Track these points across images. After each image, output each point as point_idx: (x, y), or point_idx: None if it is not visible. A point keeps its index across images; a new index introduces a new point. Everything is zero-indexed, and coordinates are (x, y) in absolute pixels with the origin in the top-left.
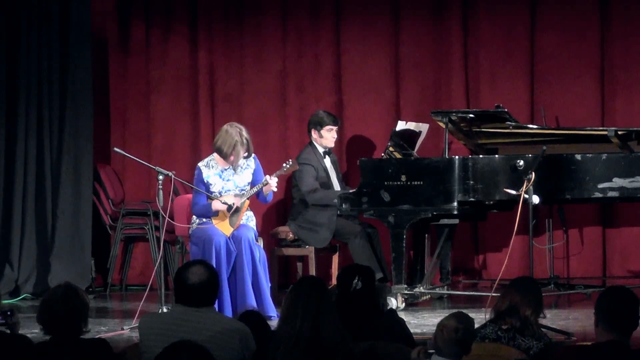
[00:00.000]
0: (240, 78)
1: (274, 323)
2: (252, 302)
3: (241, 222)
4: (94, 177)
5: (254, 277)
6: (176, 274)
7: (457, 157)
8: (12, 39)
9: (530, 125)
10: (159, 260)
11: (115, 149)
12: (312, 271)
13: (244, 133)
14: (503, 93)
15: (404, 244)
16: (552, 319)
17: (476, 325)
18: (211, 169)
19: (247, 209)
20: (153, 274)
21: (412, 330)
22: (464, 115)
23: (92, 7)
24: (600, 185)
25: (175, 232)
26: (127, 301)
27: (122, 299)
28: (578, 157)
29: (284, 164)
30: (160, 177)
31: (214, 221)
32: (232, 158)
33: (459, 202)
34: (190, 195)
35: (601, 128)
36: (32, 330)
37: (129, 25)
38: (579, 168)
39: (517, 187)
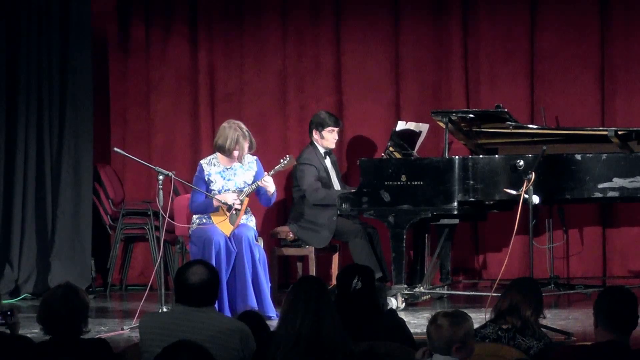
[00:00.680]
0: (240, 78)
1: (274, 323)
2: (252, 302)
3: (241, 222)
4: (94, 177)
5: (254, 277)
6: (176, 273)
7: (457, 157)
8: (12, 39)
9: (530, 125)
10: (159, 260)
11: (115, 149)
12: (312, 271)
13: (244, 127)
14: (503, 93)
15: (404, 244)
16: (552, 319)
17: (476, 325)
18: (213, 166)
19: (247, 208)
20: (153, 274)
21: (412, 330)
22: (464, 115)
23: (92, 7)
24: (600, 185)
25: (175, 232)
26: (127, 301)
27: (122, 299)
28: (578, 157)
29: (282, 160)
30: (160, 177)
31: (214, 220)
32: (236, 153)
33: (459, 202)
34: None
35: (601, 128)
36: (32, 330)
37: (129, 25)
38: (579, 168)
39: (517, 187)
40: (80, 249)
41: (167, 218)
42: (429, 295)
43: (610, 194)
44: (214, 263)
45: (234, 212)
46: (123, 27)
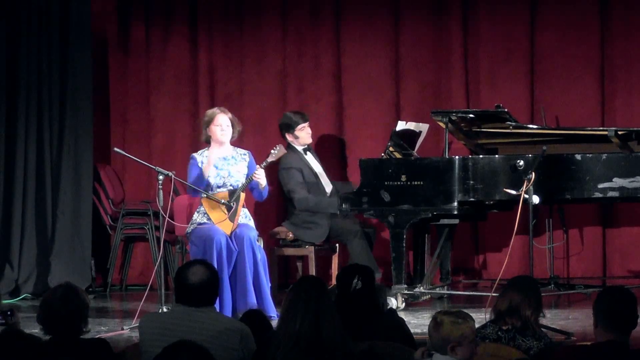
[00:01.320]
0: (240, 78)
1: (274, 323)
2: (253, 301)
3: (241, 222)
4: (94, 177)
5: (254, 276)
6: (176, 273)
7: (457, 157)
8: (12, 39)
9: (530, 125)
10: (159, 260)
11: (115, 149)
12: (312, 271)
13: (222, 108)
14: (503, 93)
15: (404, 244)
16: (552, 319)
17: (476, 325)
18: (205, 158)
19: (244, 205)
20: (153, 274)
21: (412, 330)
22: (464, 115)
23: (92, 8)
24: (600, 185)
25: (175, 232)
26: (127, 301)
27: (122, 299)
28: (578, 157)
29: (272, 150)
30: (160, 177)
31: (214, 220)
32: (217, 129)
33: (459, 202)
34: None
35: (601, 128)
36: (32, 331)
37: (129, 26)
38: (579, 168)
39: (517, 187)
40: (80, 249)
41: (167, 218)
42: (429, 295)
43: (610, 194)
44: (215, 262)
45: (232, 208)
46: (123, 27)
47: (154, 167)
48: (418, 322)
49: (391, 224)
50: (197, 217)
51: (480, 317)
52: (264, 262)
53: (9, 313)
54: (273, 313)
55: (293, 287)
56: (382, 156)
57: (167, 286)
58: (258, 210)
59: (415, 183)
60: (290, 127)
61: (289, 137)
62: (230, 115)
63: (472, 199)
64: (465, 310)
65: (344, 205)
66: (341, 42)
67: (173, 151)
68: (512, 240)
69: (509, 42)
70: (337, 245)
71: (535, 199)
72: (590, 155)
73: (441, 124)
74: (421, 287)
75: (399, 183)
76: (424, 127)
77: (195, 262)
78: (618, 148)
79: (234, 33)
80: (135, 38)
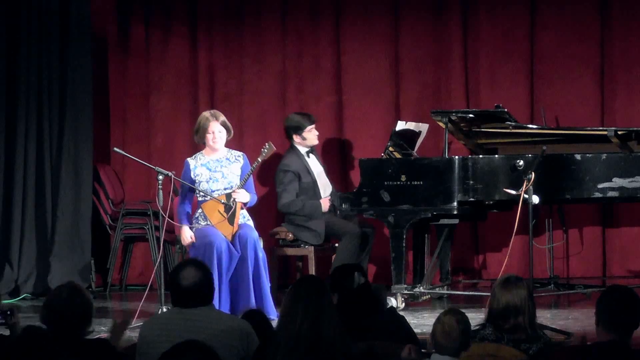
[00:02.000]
0: (240, 78)
1: (274, 323)
2: (252, 302)
3: (241, 222)
4: (94, 177)
5: (255, 277)
6: (169, 278)
7: (457, 157)
8: (12, 39)
9: (530, 125)
10: (158, 260)
11: (115, 149)
12: (312, 271)
13: (214, 111)
14: (503, 93)
15: (404, 244)
16: (552, 319)
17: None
18: (198, 160)
19: (242, 206)
20: (153, 274)
21: None
22: (464, 115)
23: (92, 7)
24: (600, 185)
25: (175, 232)
26: (127, 301)
27: (122, 299)
28: (578, 157)
29: (262, 149)
30: (160, 177)
31: (213, 221)
32: (210, 138)
33: (458, 202)
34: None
35: (601, 128)
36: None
37: (129, 25)
38: (579, 168)
39: (517, 187)
40: (80, 249)
41: (167, 218)
42: (429, 296)
43: (610, 194)
44: (215, 267)
45: (231, 210)
46: (123, 27)
47: (153, 167)
48: (418, 322)
49: (391, 224)
50: (195, 222)
51: (480, 317)
52: (265, 262)
53: (9, 313)
54: (273, 315)
55: (293, 287)
56: (382, 156)
57: (167, 286)
58: (258, 210)
59: (415, 183)
60: (299, 129)
61: (296, 139)
62: (222, 119)
63: (471, 199)
64: (465, 311)
65: (343, 205)
66: (341, 42)
67: (173, 151)
68: (512, 240)
69: (509, 42)
70: (336, 245)
71: (535, 199)
72: (590, 155)
73: (441, 124)
74: (421, 287)
75: (398, 183)
76: (423, 127)
77: (186, 264)
78: (618, 148)
79: (234, 33)
80: (135, 38)
